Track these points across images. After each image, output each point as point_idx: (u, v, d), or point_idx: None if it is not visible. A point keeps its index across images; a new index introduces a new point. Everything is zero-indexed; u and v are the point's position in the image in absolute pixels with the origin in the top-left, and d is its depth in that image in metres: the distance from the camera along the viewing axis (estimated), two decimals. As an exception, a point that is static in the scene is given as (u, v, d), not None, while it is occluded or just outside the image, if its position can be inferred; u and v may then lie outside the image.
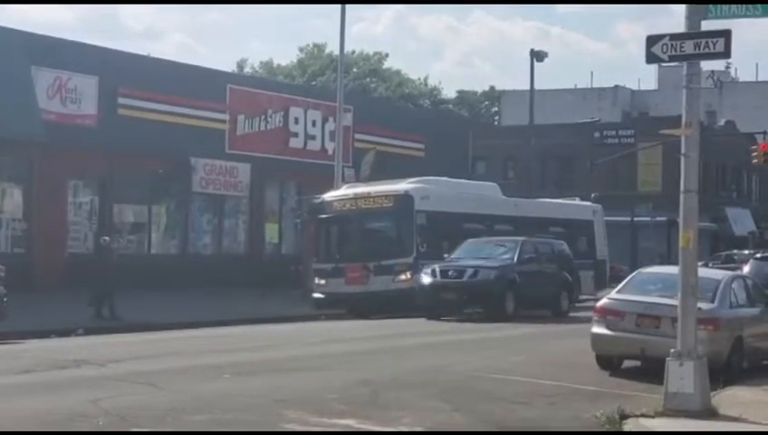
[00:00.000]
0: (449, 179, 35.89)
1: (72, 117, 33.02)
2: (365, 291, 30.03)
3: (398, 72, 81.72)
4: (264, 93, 42.50)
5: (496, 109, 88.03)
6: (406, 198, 30.77)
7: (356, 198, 31.61)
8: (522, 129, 53.14)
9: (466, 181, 38.64)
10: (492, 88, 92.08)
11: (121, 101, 34.61)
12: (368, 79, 76.76)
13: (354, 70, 73.88)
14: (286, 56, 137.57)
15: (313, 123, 43.22)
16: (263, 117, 40.95)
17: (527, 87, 49.83)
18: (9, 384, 14.34)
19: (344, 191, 32.72)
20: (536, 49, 48.89)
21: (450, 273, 28.13)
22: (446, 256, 29.60)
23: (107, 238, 27.83)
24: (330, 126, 42.24)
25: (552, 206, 39.46)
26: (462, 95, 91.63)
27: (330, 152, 40.30)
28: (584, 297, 33.86)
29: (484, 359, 18.35)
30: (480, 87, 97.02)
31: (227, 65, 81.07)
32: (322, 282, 31.11)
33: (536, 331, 25.16)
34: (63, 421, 11.32)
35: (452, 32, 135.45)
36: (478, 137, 58.83)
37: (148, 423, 11.33)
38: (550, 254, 31.47)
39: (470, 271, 28.13)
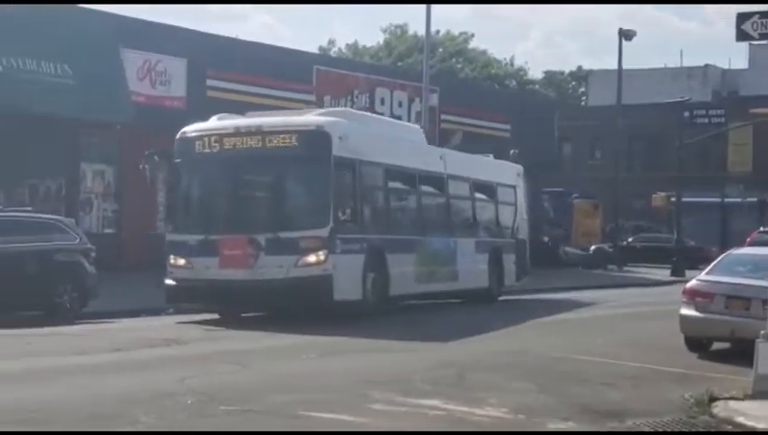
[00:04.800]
0: (369, 114, 28.62)
1: (162, 99, 33.28)
2: (249, 279, 19.80)
3: (483, 53, 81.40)
4: (351, 74, 42.49)
5: (583, 89, 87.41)
6: (318, 137, 20.17)
7: (238, 133, 20.54)
8: (609, 109, 52.81)
9: (388, 119, 30.98)
10: (579, 68, 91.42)
11: (210, 82, 34.79)
12: (453, 60, 76.58)
13: (440, 51, 73.72)
14: (371, 38, 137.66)
15: (399, 104, 43.17)
16: (349, 98, 40.96)
17: (615, 67, 49.45)
18: (99, 363, 14.55)
19: (217, 123, 21.40)
20: (624, 28, 48.53)
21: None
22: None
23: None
24: (416, 107, 42.15)
25: (481, 163, 29.16)
26: (549, 75, 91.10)
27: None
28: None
29: (566, 341, 18.27)
30: (567, 67, 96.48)
31: (312, 47, 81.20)
32: (180, 262, 20.38)
33: (615, 313, 25.12)
34: (152, 400, 11.39)
35: (537, 11, 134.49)
36: (564, 117, 58.34)
37: (235, 402, 11.40)
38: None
39: None
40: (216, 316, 20.98)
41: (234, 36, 47.52)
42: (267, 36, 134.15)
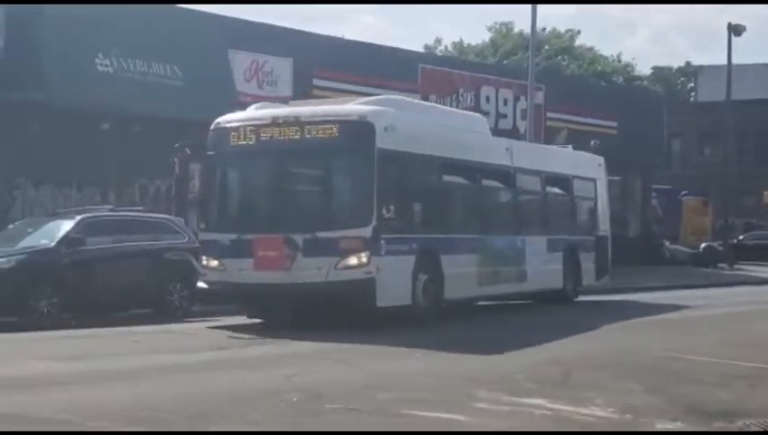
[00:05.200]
0: (423, 103, 26.13)
1: (268, 99, 33.40)
2: (285, 282, 18.10)
3: (590, 50, 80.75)
4: (456, 73, 42.42)
5: (692, 84, 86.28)
6: (361, 129, 18.42)
7: (275, 124, 18.92)
8: (718, 105, 52.03)
9: (446, 108, 28.34)
10: (688, 63, 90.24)
11: (316, 82, 34.95)
12: (559, 57, 76.06)
13: (546, 48, 73.28)
14: (477, 36, 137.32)
15: (505, 102, 42.97)
16: (454, 96, 40.88)
17: (725, 62, 48.75)
18: (206, 360, 14.80)
19: (253, 113, 19.98)
20: (733, 23, 47.80)
21: None
22: None
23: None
24: (521, 105, 41.94)
25: (555, 155, 28.05)
26: (657, 71, 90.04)
27: (521, 131, 40.09)
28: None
29: (673, 340, 17.90)
30: (675, 63, 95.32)
31: (418, 46, 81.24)
32: (213, 263, 18.96)
33: (725, 312, 24.67)
34: (259, 398, 11.48)
35: (644, 8, 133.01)
36: (673, 113, 57.60)
37: (341, 400, 11.43)
38: None
39: None
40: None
41: (339, 36, 47.76)
42: (372, 36, 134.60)
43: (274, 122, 18.93)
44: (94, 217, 21.99)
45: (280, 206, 19.15)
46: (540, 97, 40.90)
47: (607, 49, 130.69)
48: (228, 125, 19.41)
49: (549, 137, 41.00)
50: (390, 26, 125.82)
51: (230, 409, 10.90)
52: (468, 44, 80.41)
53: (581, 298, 26.63)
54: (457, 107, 40.08)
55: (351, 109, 19.15)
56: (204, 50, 31.12)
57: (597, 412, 11.15)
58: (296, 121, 18.81)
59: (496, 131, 40.05)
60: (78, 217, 21.74)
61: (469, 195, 22.44)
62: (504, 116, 42.76)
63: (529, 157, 25.25)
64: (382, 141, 18.45)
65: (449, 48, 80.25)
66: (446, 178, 21.18)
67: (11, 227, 24.05)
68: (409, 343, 16.28)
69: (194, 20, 31.84)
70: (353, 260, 18.01)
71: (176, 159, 20.90)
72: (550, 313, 23.34)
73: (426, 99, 36.82)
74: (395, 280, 18.50)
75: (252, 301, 19.38)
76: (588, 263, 26.67)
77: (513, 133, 41.15)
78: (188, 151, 20.95)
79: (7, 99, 26.77)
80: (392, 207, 18.39)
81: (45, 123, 27.14)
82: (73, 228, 21.33)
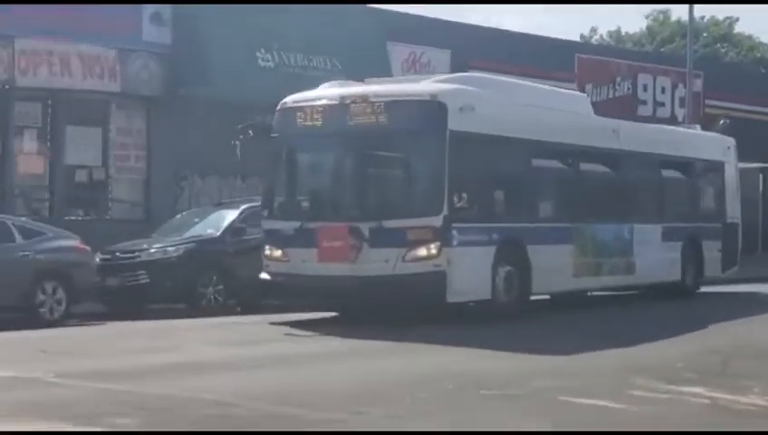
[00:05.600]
0: (509, 80, 23.48)
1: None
2: (350, 275, 16.61)
3: (749, 37, 79.05)
4: (613, 61, 42.08)
5: None
6: (432, 109, 16.71)
7: (342, 104, 17.32)
8: None
9: (541, 86, 23.63)
10: None
11: (471, 72, 35.06)
12: (717, 45, 74.66)
13: (704, 35, 72.04)
14: (634, 24, 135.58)
15: (662, 90, 42.46)
16: (611, 85, 40.62)
17: None
18: (367, 348, 15.01)
19: (321, 92, 18.33)
20: None
21: None
22: None
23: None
24: (679, 93, 41.42)
25: (674, 136, 25.21)
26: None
27: (680, 119, 39.58)
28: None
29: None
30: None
31: (574, 35, 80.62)
32: (276, 253, 17.55)
33: None
34: (414, 384, 11.69)
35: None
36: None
37: (495, 386, 11.63)
38: None
39: None
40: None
41: (494, 26, 47.77)
42: (529, 25, 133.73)
43: (342, 102, 17.37)
44: (256, 206, 22.46)
45: (345, 192, 17.69)
46: (698, 85, 40.36)
47: (766, 36, 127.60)
48: (295, 105, 17.98)
49: (708, 124, 40.41)
50: (546, 16, 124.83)
51: (386, 394, 11.19)
52: (626, 33, 79.40)
53: (706, 289, 24.81)
54: (614, 96, 39.87)
55: (424, 87, 17.54)
56: (364, 43, 31.47)
57: (756, 401, 11.08)
58: (364, 101, 17.13)
59: (654, 119, 39.75)
60: (242, 207, 22.35)
61: (564, 181, 20.45)
62: (662, 104, 42.25)
63: (640, 139, 22.95)
64: (456, 123, 16.70)
65: (605, 37, 79.31)
66: (536, 162, 19.25)
67: (178, 217, 24.86)
68: (530, 338, 16.18)
69: (353, 14, 32.25)
70: (422, 251, 16.41)
71: (237, 142, 19.03)
72: (671, 306, 21.78)
73: (582, 88, 36.65)
74: (469, 273, 16.84)
75: (315, 294, 17.60)
76: (712, 252, 24.36)
77: (672, 121, 40.71)
78: (251, 133, 19.10)
79: (175, 94, 27.62)
80: (465, 195, 16.76)
81: (210, 117, 27.81)
82: (237, 218, 21.95)
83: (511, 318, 17.40)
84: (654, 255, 22.09)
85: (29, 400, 10.85)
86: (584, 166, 20.73)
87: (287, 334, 16.60)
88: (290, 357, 14.16)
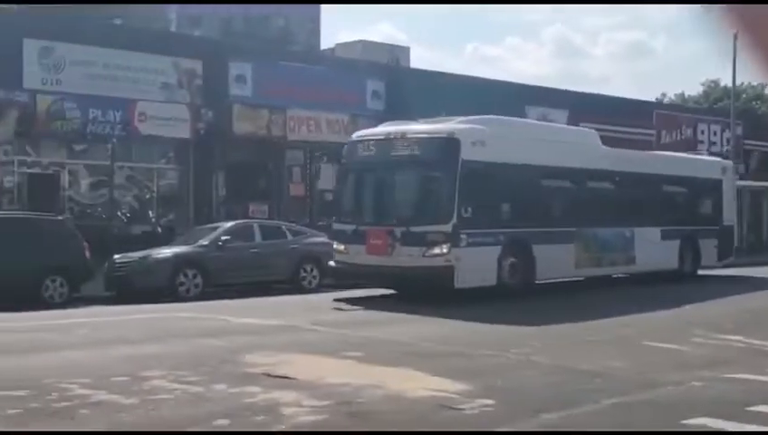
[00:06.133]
0: (524, 120, 21.89)
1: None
2: (388, 265, 15.99)
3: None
4: (679, 115, 41.27)
5: None
6: (449, 143, 15.79)
7: (387, 139, 16.62)
8: None
9: (545, 124, 22.95)
10: None
11: (581, 126, 34.73)
12: (753, 102, 72.09)
13: (743, 96, 69.61)
14: (693, 89, 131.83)
15: (714, 133, 41.19)
16: (678, 131, 39.62)
17: None
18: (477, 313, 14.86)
19: (376, 130, 17.49)
20: None
21: None
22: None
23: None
24: (726, 135, 40.18)
25: (669, 161, 23.38)
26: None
27: (725, 154, 38.49)
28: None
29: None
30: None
31: (649, 97, 78.74)
32: (341, 247, 16.87)
33: None
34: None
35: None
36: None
37: (593, 334, 11.51)
38: None
39: None
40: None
41: (597, 92, 47.11)
42: (620, 90, 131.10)
43: (387, 138, 16.48)
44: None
45: (386, 204, 16.72)
46: (739, 130, 39.09)
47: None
48: (357, 139, 17.26)
49: (746, 157, 39.09)
50: (631, 85, 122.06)
51: (514, 341, 11.13)
52: (689, 95, 77.25)
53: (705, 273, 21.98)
54: (680, 138, 38.86)
55: (445, 127, 16.25)
56: (504, 107, 31.24)
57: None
58: (402, 137, 16.28)
59: (710, 154, 38.66)
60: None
61: (567, 195, 18.45)
62: (714, 143, 41.01)
63: (634, 162, 20.86)
64: (468, 154, 15.59)
65: (673, 98, 77.24)
66: (543, 181, 17.68)
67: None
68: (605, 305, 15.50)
69: (495, 86, 32.49)
70: (436, 250, 15.35)
71: (317, 167, 17.62)
72: (681, 286, 19.32)
73: (659, 135, 35.81)
74: (475, 266, 15.52)
75: (364, 277, 16.85)
76: (709, 247, 22.02)
77: (722, 155, 39.58)
78: (325, 159, 17.73)
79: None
80: (470, 208, 15.52)
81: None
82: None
83: (523, 296, 15.86)
84: (652, 250, 19.99)
85: (292, 340, 10.90)
86: (586, 183, 18.76)
87: (336, 308, 15.09)
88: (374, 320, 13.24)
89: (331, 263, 17.02)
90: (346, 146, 17.49)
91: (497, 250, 16.04)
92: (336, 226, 17.15)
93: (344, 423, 6.72)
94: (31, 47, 22.56)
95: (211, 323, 12.72)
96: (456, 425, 6.67)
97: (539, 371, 8.92)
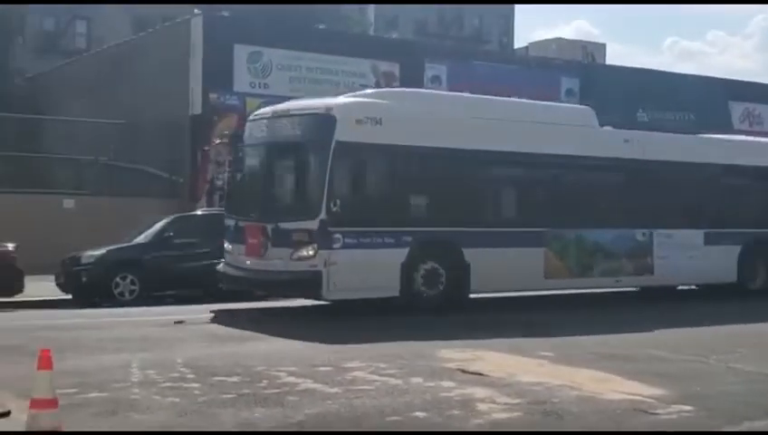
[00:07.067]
0: (462, 95, 16.38)
1: (753, 133, 32.09)
2: (260, 269, 12.97)
3: None
4: None
5: None
6: (322, 121, 12.63)
7: (273, 117, 13.54)
8: None
9: (508, 100, 16.66)
10: None
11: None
12: None
13: None
14: None
15: None
16: None
17: None
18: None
19: (266, 109, 14.28)
20: None
21: None
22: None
23: None
24: None
25: (701, 144, 17.19)
26: None
27: None
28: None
29: None
30: None
31: None
32: (228, 247, 13.73)
33: None
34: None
35: None
36: None
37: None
38: None
39: None
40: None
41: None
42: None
43: (273, 116, 13.62)
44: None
45: (262, 196, 13.55)
46: None
47: None
48: (253, 118, 14.23)
49: None
50: None
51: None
52: None
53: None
54: None
55: (324, 101, 13.32)
56: (710, 101, 30.31)
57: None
58: (283, 115, 13.43)
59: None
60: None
61: (525, 187, 14.57)
62: None
63: (666, 148, 16.04)
64: (347, 134, 12.46)
65: None
66: (479, 170, 13.79)
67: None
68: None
69: (701, 80, 31.24)
70: (303, 252, 12.37)
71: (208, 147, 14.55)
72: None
73: None
74: (362, 272, 12.46)
75: (243, 284, 13.57)
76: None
77: None
78: (218, 141, 14.87)
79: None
80: (350, 201, 12.43)
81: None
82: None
83: (441, 312, 12.86)
84: (688, 258, 15.74)
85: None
86: (568, 173, 14.75)
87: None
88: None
89: (219, 266, 13.85)
90: (246, 125, 14.39)
91: (401, 253, 12.80)
92: (226, 220, 13.99)
93: (539, 422, 6.77)
94: (241, 52, 23.91)
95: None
96: (655, 429, 6.56)
97: (740, 377, 8.59)
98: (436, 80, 26.27)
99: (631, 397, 7.52)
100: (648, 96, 28.99)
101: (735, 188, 16.74)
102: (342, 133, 12.47)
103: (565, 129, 14.71)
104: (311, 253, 12.31)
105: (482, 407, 7.11)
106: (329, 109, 12.78)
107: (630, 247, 15.32)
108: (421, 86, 25.99)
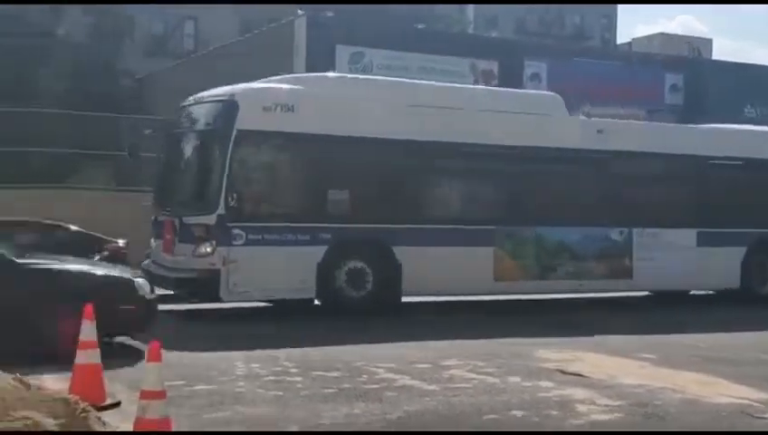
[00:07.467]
0: (399, 80, 14.53)
1: None
2: (169, 266, 12.00)
3: None
4: None
5: None
6: (224, 108, 11.82)
7: (188, 104, 12.88)
8: None
9: (452, 86, 15.25)
10: None
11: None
12: None
13: None
14: None
15: None
16: None
17: None
18: None
19: (191, 97, 13.11)
20: None
21: None
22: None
23: None
24: None
25: (725, 136, 15.52)
26: None
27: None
28: None
29: None
30: None
31: None
32: (152, 242, 12.84)
33: None
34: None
35: None
36: None
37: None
38: None
39: None
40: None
41: None
42: None
43: (188, 103, 12.95)
44: None
45: (171, 188, 12.79)
46: None
47: None
48: (181, 105, 13.19)
49: None
50: None
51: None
52: None
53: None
54: None
55: (231, 88, 12.27)
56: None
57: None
58: (197, 102, 12.69)
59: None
60: None
61: (468, 181, 13.40)
62: None
63: (646, 139, 14.48)
64: (251, 122, 11.57)
65: None
66: (412, 162, 12.63)
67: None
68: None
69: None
70: (202, 249, 11.48)
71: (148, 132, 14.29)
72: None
73: None
74: (269, 272, 11.56)
75: (161, 282, 11.39)
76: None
77: None
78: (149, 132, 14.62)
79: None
80: (254, 195, 11.62)
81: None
82: None
83: (373, 314, 12.01)
84: (674, 259, 14.06)
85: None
86: (520, 166, 13.37)
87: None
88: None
89: (144, 262, 12.72)
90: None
91: (317, 252, 11.88)
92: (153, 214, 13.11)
93: (640, 423, 6.67)
94: (343, 53, 24.17)
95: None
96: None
97: None
98: (535, 78, 25.98)
99: (738, 401, 7.37)
100: (757, 91, 28.03)
101: (737, 183, 14.78)
102: (245, 121, 11.56)
103: (522, 117, 13.31)
104: (209, 250, 11.44)
105: (581, 408, 7.06)
106: (232, 95, 11.91)
107: (602, 248, 13.75)
108: (520, 85, 25.77)
